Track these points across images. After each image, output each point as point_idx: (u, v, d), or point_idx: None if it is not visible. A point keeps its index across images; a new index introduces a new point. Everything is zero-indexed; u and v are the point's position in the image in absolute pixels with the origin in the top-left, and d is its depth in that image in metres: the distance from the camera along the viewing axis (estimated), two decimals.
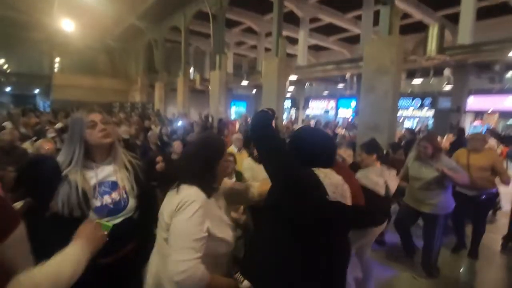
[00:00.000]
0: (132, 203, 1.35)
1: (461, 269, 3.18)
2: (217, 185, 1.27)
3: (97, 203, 1.25)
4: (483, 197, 3.14)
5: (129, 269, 1.31)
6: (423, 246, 2.90)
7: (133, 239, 1.36)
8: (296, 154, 1.23)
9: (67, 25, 13.70)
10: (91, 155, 1.32)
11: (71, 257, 0.91)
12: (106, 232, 1.10)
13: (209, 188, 1.18)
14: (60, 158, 1.27)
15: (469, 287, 2.94)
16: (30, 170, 1.33)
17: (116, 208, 1.30)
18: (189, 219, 1.07)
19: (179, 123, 8.35)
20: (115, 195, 1.31)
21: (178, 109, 14.46)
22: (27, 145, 3.63)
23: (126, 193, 1.35)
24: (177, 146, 3.61)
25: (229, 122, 10.32)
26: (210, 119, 11.13)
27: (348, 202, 1.20)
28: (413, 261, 3.08)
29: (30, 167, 1.36)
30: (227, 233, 1.20)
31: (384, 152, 3.91)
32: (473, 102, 13.03)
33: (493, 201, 3.56)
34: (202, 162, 1.20)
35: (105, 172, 1.34)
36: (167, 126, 7.76)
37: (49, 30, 16.11)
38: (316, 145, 1.24)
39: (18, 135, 3.81)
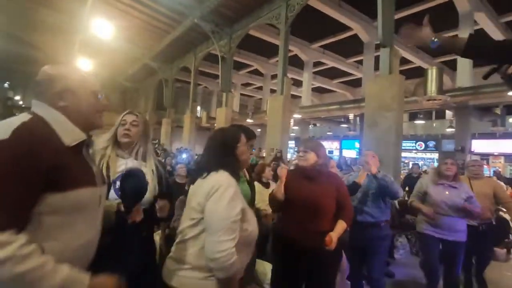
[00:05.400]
0: (149, 196, 1.48)
1: None
2: (241, 169, 1.45)
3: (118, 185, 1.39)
4: (484, 226, 2.88)
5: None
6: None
7: (142, 229, 1.48)
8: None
9: (84, 64, 14.57)
10: (122, 147, 1.58)
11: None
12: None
13: (235, 174, 1.28)
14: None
15: None
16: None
17: None
18: (227, 203, 1.15)
19: (184, 156, 8.43)
20: None
21: (184, 145, 14.67)
22: None
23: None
24: (181, 169, 3.63)
25: None
26: None
27: None
28: None
29: None
30: (254, 219, 1.32)
31: None
32: (477, 146, 13.07)
33: (493, 232, 3.28)
34: (223, 149, 1.31)
35: (134, 164, 1.52)
36: (172, 158, 7.83)
37: None
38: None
39: None
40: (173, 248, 1.30)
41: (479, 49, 0.99)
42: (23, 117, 0.84)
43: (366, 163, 2.53)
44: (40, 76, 0.93)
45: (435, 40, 1.05)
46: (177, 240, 1.30)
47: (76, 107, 0.94)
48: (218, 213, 1.13)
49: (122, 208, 1.21)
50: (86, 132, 0.97)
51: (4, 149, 0.74)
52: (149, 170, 1.55)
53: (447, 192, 2.68)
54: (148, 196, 1.47)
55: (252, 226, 1.29)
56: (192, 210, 1.22)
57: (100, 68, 16.07)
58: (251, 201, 1.99)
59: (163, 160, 7.51)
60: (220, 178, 1.21)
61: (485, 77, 1.10)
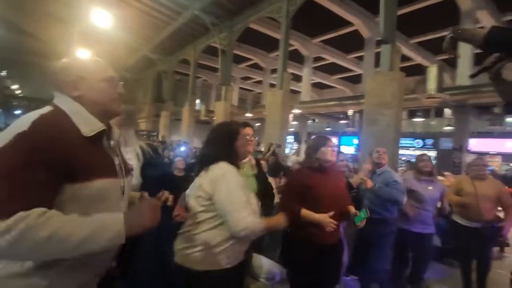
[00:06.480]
0: (135, 183, 1.52)
1: None
2: (241, 160, 1.48)
3: None
4: (488, 230, 2.82)
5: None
6: None
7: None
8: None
9: (83, 54, 14.46)
10: None
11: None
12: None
13: (235, 163, 1.38)
14: None
15: None
16: None
17: None
18: (234, 185, 1.28)
19: (182, 149, 8.41)
20: None
21: (182, 138, 14.64)
22: None
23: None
24: (179, 162, 3.61)
25: None
26: None
27: None
28: None
29: None
30: (254, 205, 1.39)
31: None
32: (475, 144, 13.12)
33: (496, 236, 3.30)
34: (222, 142, 1.41)
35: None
36: (170, 151, 7.82)
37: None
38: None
39: None
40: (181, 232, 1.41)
41: (501, 41, 0.90)
42: (44, 109, 0.87)
43: (362, 179, 2.52)
44: (56, 66, 0.96)
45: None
46: (186, 227, 1.39)
47: (89, 96, 0.94)
48: (229, 196, 1.27)
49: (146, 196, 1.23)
50: (104, 122, 0.96)
51: (23, 141, 0.76)
52: (133, 155, 1.56)
53: (429, 188, 2.78)
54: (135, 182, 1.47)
55: (254, 212, 1.36)
56: (200, 199, 1.33)
57: (99, 58, 15.93)
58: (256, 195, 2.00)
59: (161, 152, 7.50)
60: (222, 167, 1.33)
61: (473, 76, 1.07)
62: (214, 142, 1.43)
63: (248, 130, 1.80)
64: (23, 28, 13.81)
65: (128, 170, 1.07)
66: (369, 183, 2.45)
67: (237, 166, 1.39)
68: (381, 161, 2.70)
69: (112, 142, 1.01)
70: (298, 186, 1.87)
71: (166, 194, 1.23)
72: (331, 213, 1.79)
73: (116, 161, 0.99)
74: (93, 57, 1.03)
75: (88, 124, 0.89)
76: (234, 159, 1.39)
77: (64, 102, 0.91)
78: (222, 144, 1.40)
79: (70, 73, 0.94)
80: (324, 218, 1.78)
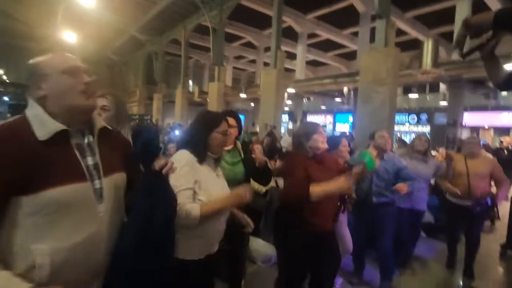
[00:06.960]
0: None
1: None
2: (214, 154, 1.40)
3: None
4: (478, 208, 2.82)
5: None
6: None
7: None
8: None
9: (68, 37, 13.88)
10: None
11: None
12: None
13: (200, 153, 1.34)
14: None
15: None
16: None
17: None
18: (174, 175, 1.18)
19: (176, 132, 8.32)
20: None
21: (176, 121, 14.49)
22: None
23: None
24: (172, 148, 3.57)
25: None
26: None
27: None
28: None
29: None
30: (214, 197, 1.31)
31: None
32: (469, 118, 13.18)
33: (487, 213, 3.34)
34: (194, 132, 1.40)
35: None
36: (164, 135, 7.75)
37: (50, 42, 16.32)
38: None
39: None
40: None
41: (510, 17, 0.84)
42: (12, 118, 0.85)
43: (400, 187, 2.40)
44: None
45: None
46: None
47: (54, 93, 0.85)
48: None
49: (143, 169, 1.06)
50: (77, 119, 0.88)
51: None
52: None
53: (420, 166, 2.89)
54: None
55: (210, 197, 1.31)
56: None
57: (85, 40, 15.38)
58: (244, 179, 1.94)
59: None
60: (178, 155, 1.33)
61: (465, 55, 0.99)
62: (192, 128, 1.44)
63: (230, 121, 1.76)
64: (7, 11, 13.20)
65: (114, 168, 0.95)
66: (405, 188, 2.35)
67: (202, 158, 1.34)
68: (388, 147, 2.70)
69: (87, 140, 0.91)
70: (303, 167, 1.73)
71: (162, 162, 0.96)
72: (343, 177, 1.65)
73: (90, 161, 0.89)
74: (59, 52, 0.94)
75: (43, 127, 0.82)
76: (202, 148, 1.35)
77: (30, 107, 0.85)
78: (197, 132, 1.39)
79: (34, 73, 0.87)
80: (342, 183, 1.62)
